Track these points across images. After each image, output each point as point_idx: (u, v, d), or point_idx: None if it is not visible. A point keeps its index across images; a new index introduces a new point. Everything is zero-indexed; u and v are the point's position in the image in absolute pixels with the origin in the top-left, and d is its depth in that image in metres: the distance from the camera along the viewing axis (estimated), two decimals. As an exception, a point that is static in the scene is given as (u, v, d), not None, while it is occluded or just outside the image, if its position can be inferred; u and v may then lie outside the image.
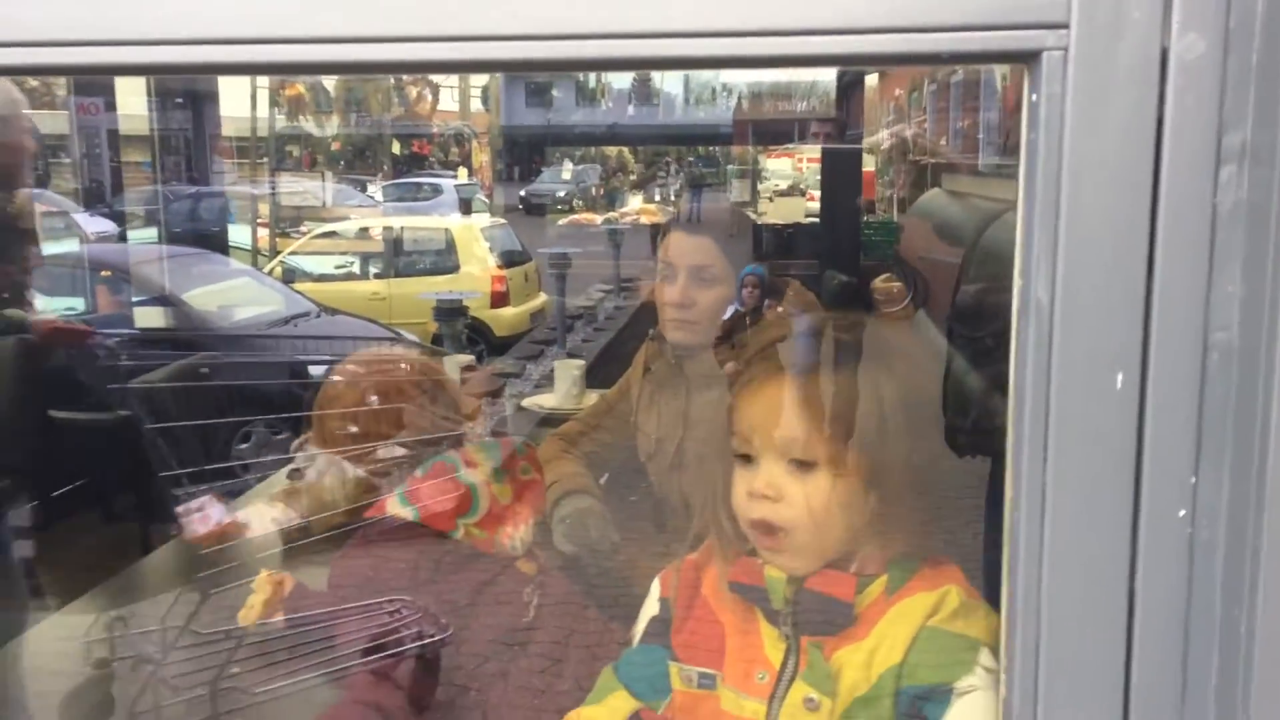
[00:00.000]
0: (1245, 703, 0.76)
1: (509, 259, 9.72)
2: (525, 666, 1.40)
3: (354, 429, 1.60)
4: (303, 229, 10.60)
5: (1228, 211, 0.74)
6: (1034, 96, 0.76)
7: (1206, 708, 0.77)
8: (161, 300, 5.81)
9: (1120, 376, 0.75)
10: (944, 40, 0.77)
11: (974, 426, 1.75)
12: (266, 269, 8.99)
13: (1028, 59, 0.76)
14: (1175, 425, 0.75)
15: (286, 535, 1.58)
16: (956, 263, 2.22)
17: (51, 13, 0.83)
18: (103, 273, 4.93)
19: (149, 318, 5.37)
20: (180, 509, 1.58)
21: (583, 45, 0.80)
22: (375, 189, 12.46)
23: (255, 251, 9.28)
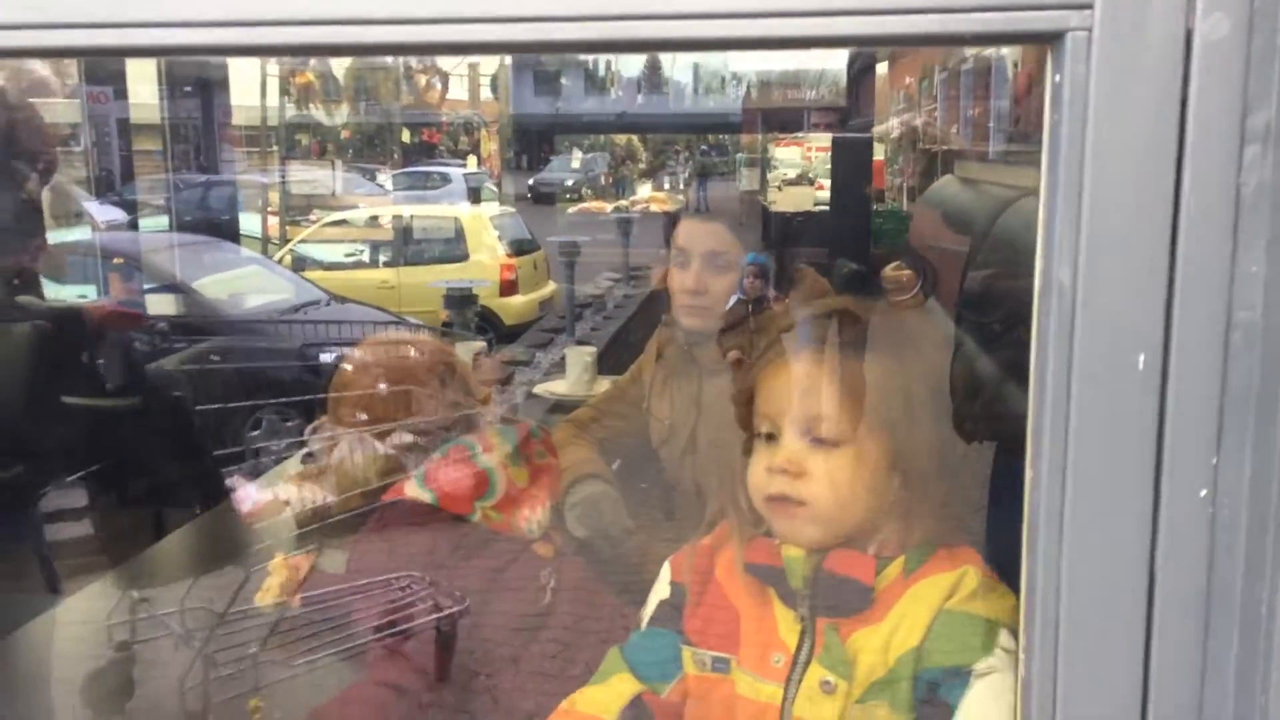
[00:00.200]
0: (1266, 683, 0.76)
1: (518, 247, 9.72)
2: (539, 651, 1.41)
3: (370, 413, 1.60)
4: (312, 217, 10.61)
5: (1251, 192, 0.74)
6: (1057, 77, 0.76)
7: (1227, 687, 0.77)
8: (172, 288, 5.82)
9: (1142, 357, 0.75)
10: (966, 21, 0.77)
11: (981, 412, 1.75)
12: (276, 257, 9.00)
13: (1051, 40, 0.76)
14: (1197, 406, 0.75)
15: (307, 518, 1.58)
16: (970, 249, 2.22)
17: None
18: (114, 260, 4.93)
19: (160, 305, 5.38)
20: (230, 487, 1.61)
21: (596, 26, 0.80)
22: (384, 178, 12.46)
23: (265, 240, 9.30)
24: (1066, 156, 0.76)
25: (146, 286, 5.46)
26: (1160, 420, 0.76)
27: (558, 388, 3.05)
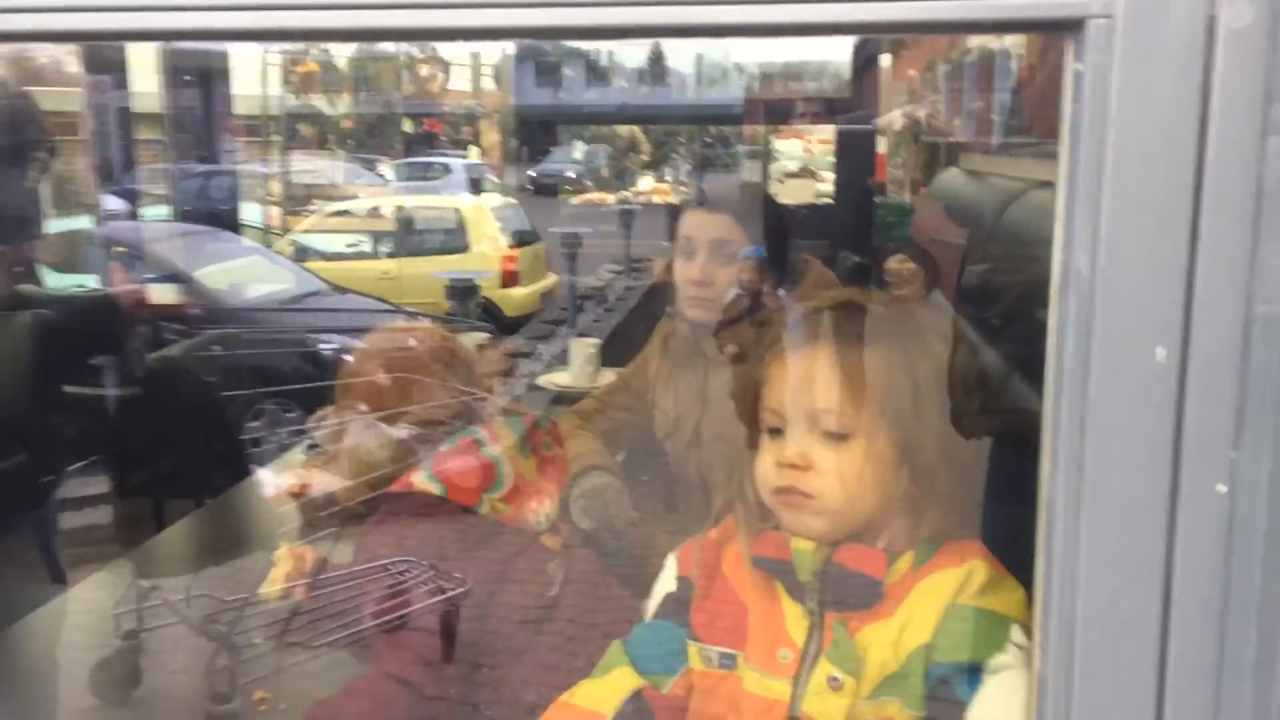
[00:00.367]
0: (1284, 679, 0.75)
1: (519, 239, 9.71)
2: (546, 643, 1.40)
3: (380, 402, 1.60)
4: (311, 207, 10.59)
5: (1274, 183, 0.73)
6: (1078, 65, 0.75)
7: (1244, 683, 0.76)
8: (173, 278, 5.80)
9: (1161, 350, 0.75)
10: (986, 7, 0.76)
11: (980, 408, 1.74)
12: (277, 247, 8.98)
13: (1072, 27, 0.75)
14: (1216, 399, 0.75)
15: (314, 509, 1.58)
16: (974, 242, 2.21)
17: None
18: (115, 249, 4.91)
19: (161, 295, 5.36)
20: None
21: (601, 12, 0.79)
22: (385, 168, 12.42)
23: (266, 230, 9.27)
24: (1087, 145, 0.75)
25: (147, 276, 5.45)
26: (1179, 414, 0.75)
27: (561, 379, 3.04)
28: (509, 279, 9.22)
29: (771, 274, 2.02)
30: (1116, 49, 0.73)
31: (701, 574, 1.22)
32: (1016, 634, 1.03)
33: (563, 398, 2.93)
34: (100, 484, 2.97)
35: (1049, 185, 2.12)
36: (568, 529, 1.68)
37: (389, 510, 1.56)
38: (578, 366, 3.08)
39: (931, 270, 2.92)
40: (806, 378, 1.13)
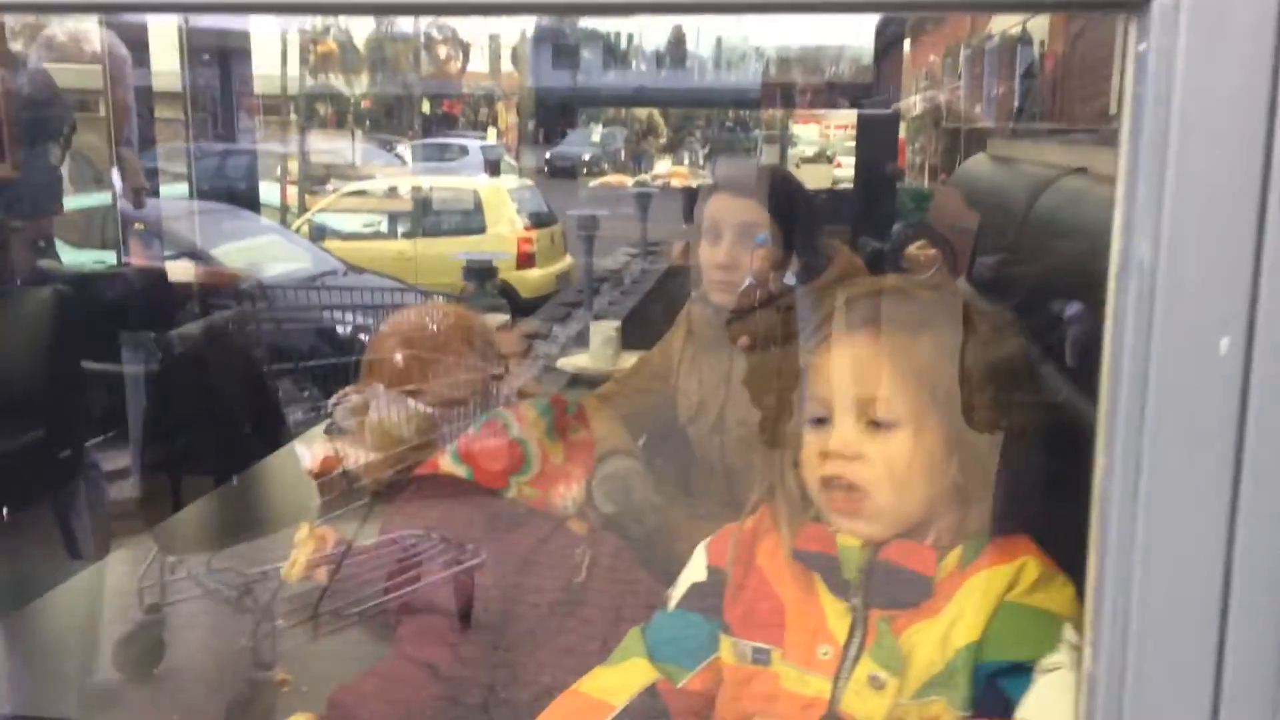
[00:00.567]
0: (1344, 682, 0.73)
1: (536, 221, 9.69)
2: (573, 628, 1.39)
3: (405, 380, 1.59)
4: (329, 187, 10.58)
5: (1346, 169, 0.70)
6: (1142, 46, 0.72)
7: (1303, 686, 0.74)
8: (192, 255, 5.81)
9: (1225, 341, 0.72)
10: (1049, -15, 0.73)
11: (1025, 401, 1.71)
12: (294, 226, 8.99)
13: (1136, 7, 0.72)
14: (1281, 393, 0.72)
15: (340, 487, 1.58)
16: (1004, 230, 2.18)
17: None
18: (135, 226, 4.91)
19: (180, 272, 5.37)
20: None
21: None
22: (403, 148, 12.41)
23: (284, 209, 9.28)
24: (1149, 129, 0.72)
25: (166, 253, 5.45)
26: (1242, 407, 0.72)
27: (581, 362, 3.03)
28: (525, 261, 9.20)
29: (797, 259, 2.00)
30: (1183, 29, 0.71)
31: (736, 566, 1.20)
32: (1069, 633, 1.00)
33: (580, 380, 2.91)
34: (120, 459, 2.97)
35: (1082, 172, 2.08)
36: (594, 513, 1.66)
37: (415, 493, 1.54)
38: (598, 349, 3.06)
39: (950, 257, 2.89)
40: (854, 365, 1.11)
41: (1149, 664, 0.75)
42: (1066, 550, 1.02)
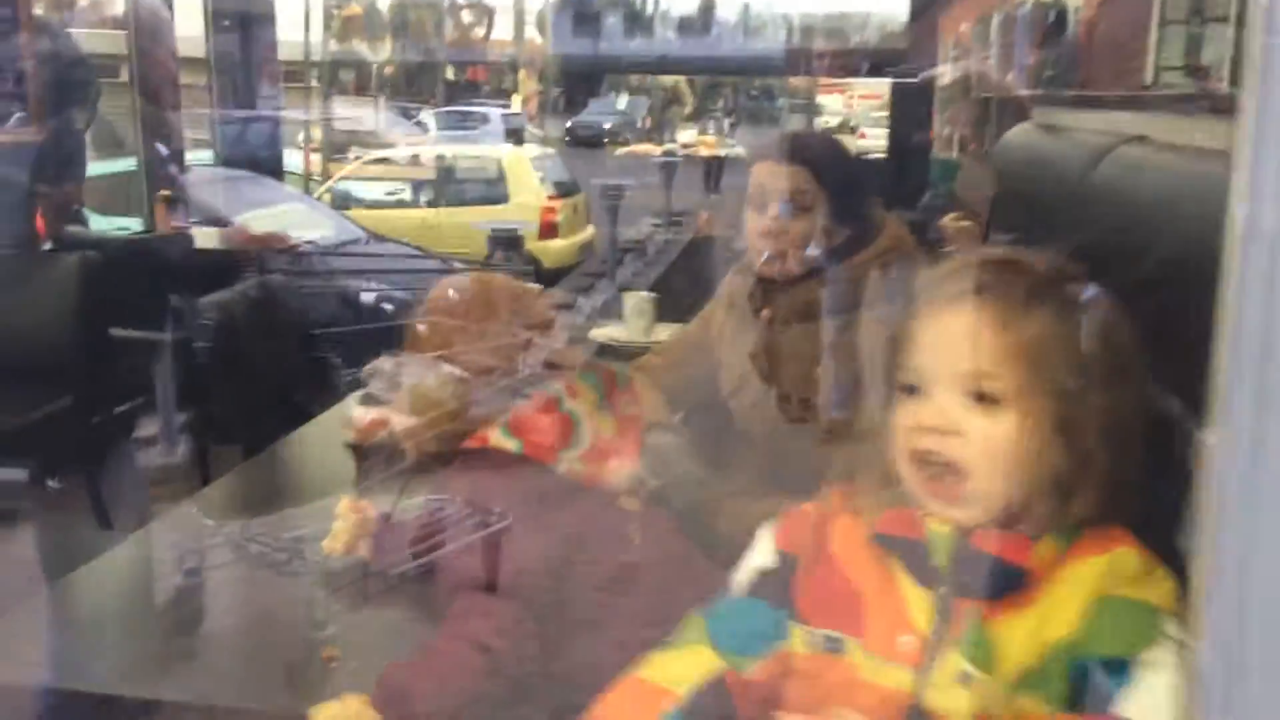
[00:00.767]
0: None
1: (560, 190, 9.63)
2: (626, 608, 1.35)
3: (450, 346, 1.56)
4: (350, 155, 10.55)
5: None
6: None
7: None
8: (215, 222, 5.80)
9: (1357, 314, 0.67)
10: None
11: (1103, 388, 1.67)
12: (317, 194, 8.97)
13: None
14: None
15: (381, 459, 1.55)
16: (1058, 202, 2.11)
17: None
18: (161, 193, 4.90)
19: (205, 239, 5.36)
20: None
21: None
22: (426, 115, 12.35)
23: (307, 176, 9.25)
24: (1277, 86, 0.67)
25: (192, 220, 5.44)
26: (1375, 386, 0.68)
27: (616, 333, 2.99)
28: (548, 230, 9.16)
29: (847, 229, 1.95)
30: (1320, -22, 0.66)
31: (807, 550, 1.14)
32: (1171, 626, 0.95)
33: (609, 350, 2.88)
34: (150, 427, 2.97)
35: (1141, 140, 2.01)
36: (646, 490, 1.63)
37: (463, 466, 1.51)
38: (631, 320, 3.02)
39: (984, 229, 2.83)
40: (958, 335, 1.05)
41: (1265, 659, 0.71)
42: (1165, 545, 0.97)
